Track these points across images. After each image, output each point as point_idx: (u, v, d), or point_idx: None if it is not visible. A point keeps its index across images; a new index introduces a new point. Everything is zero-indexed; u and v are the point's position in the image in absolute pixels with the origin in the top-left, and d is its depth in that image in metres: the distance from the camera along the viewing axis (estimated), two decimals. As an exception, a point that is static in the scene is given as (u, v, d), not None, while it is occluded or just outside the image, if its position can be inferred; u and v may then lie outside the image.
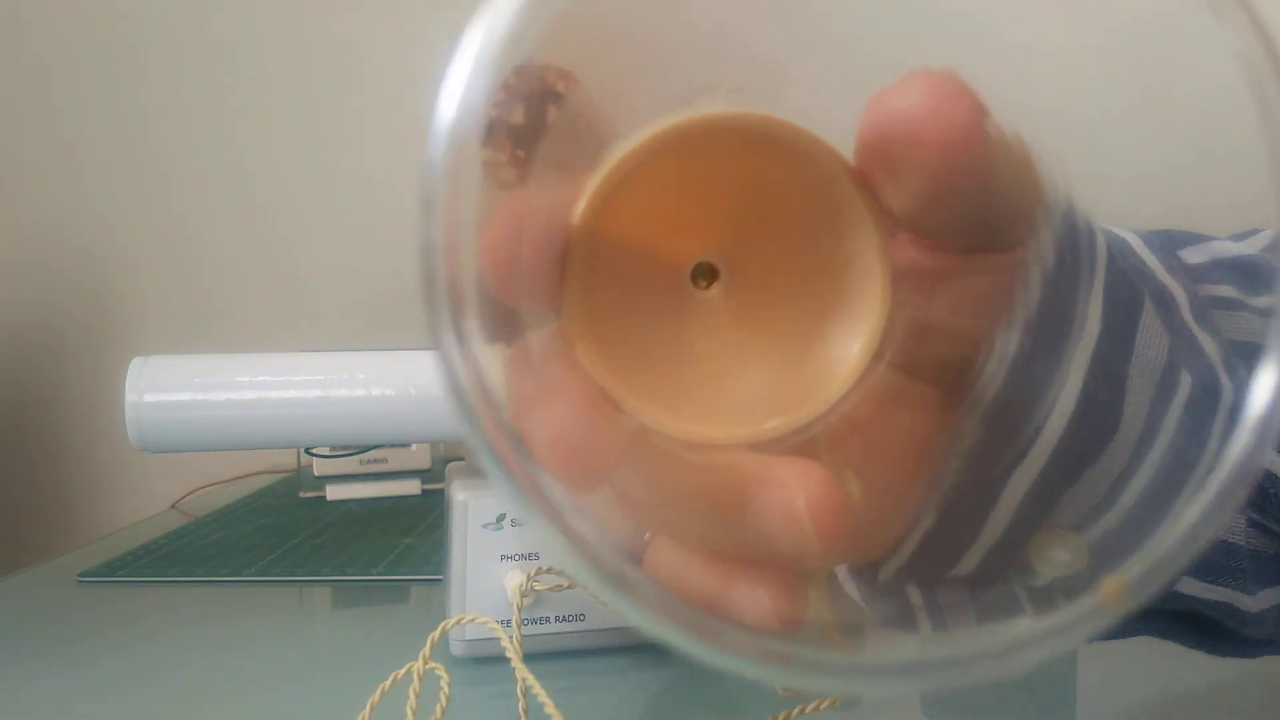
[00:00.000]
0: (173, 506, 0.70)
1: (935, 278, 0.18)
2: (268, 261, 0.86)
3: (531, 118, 0.16)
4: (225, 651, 0.42)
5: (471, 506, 0.37)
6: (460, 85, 0.12)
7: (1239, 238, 0.23)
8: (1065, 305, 0.18)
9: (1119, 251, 0.19)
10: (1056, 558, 0.18)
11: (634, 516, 0.16)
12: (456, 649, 0.37)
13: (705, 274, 0.17)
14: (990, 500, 0.19)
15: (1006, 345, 0.17)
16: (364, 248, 0.82)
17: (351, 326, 0.84)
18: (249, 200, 0.87)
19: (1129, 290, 0.19)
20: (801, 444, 0.17)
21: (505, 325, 0.15)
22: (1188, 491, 0.18)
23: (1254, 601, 0.21)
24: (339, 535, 0.58)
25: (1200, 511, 0.14)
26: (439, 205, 0.12)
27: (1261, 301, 0.21)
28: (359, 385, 0.46)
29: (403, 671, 0.29)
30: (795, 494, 0.15)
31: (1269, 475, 0.20)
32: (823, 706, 0.28)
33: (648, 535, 0.16)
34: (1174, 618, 0.23)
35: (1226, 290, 0.21)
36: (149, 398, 0.44)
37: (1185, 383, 0.18)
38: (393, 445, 0.68)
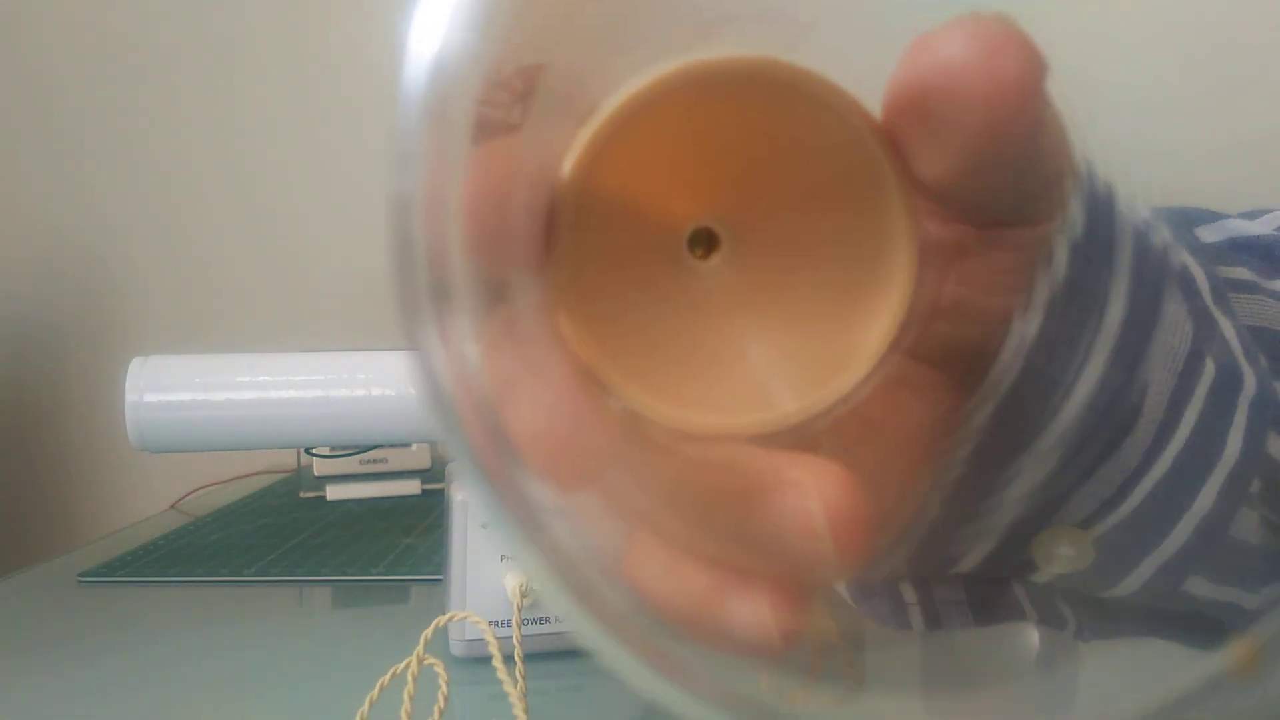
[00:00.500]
0: (173, 506, 0.70)
1: (951, 253, 0.16)
2: (268, 261, 0.86)
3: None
4: (225, 651, 0.42)
5: (471, 506, 0.37)
6: (444, 14, 0.10)
7: (1249, 216, 0.22)
8: (1089, 286, 0.16)
9: (1142, 227, 0.17)
10: (1061, 554, 0.18)
11: (619, 515, 0.14)
12: (456, 649, 0.37)
13: (704, 242, 0.15)
14: (999, 494, 0.17)
15: (1025, 328, 0.16)
16: (364, 248, 0.82)
17: (351, 326, 0.84)
18: (249, 200, 0.87)
19: (1153, 271, 0.17)
20: (802, 434, 0.15)
21: (483, 294, 0.13)
22: (1206, 487, 0.18)
23: (1256, 600, 0.20)
24: (339, 535, 0.58)
25: None
26: (419, 155, 0.11)
27: None
28: (359, 385, 0.46)
29: (401, 667, 0.29)
30: (812, 501, 0.13)
31: (1279, 467, 0.19)
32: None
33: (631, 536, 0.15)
34: (1175, 619, 0.22)
35: (1242, 273, 0.20)
36: (149, 398, 0.44)
37: (1209, 371, 0.17)
38: (393, 445, 0.68)
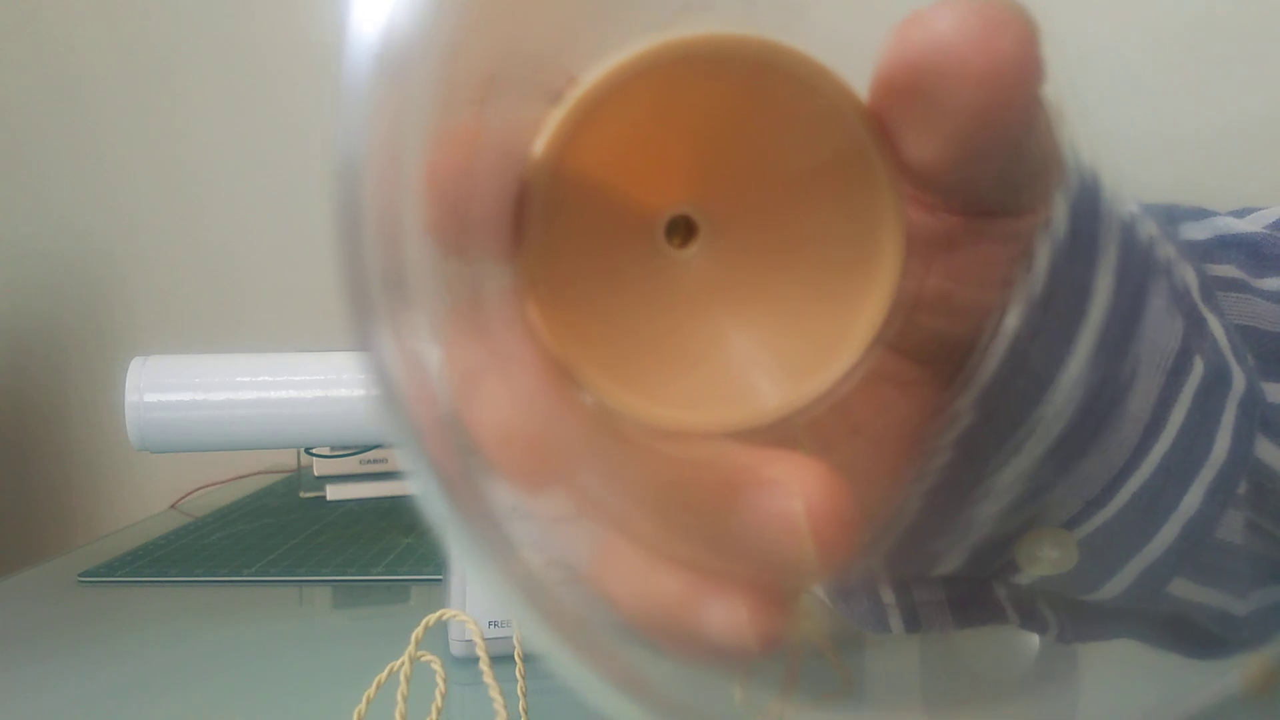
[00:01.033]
0: (173, 506, 0.70)
1: (937, 244, 0.16)
2: (268, 261, 0.86)
3: None
4: (225, 651, 0.42)
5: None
6: None
7: (1238, 214, 0.21)
8: (1076, 279, 0.15)
9: (1130, 220, 0.17)
10: (1044, 555, 0.17)
11: (588, 516, 0.14)
12: (456, 649, 0.37)
13: (682, 230, 0.15)
14: (980, 494, 0.17)
15: (1009, 322, 0.15)
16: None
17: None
18: (250, 199, 0.87)
19: (1140, 267, 0.17)
20: (781, 432, 0.15)
21: (444, 281, 0.12)
22: (1194, 488, 0.17)
23: (1244, 605, 0.19)
24: (339, 535, 0.58)
25: None
26: (371, 112, 0.09)
27: (1269, 284, 0.19)
28: (359, 385, 0.46)
29: (398, 664, 0.29)
30: (793, 500, 0.12)
31: (1266, 470, 0.18)
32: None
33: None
34: (1157, 621, 0.21)
35: (1231, 271, 0.19)
36: (149, 398, 0.44)
37: (1198, 370, 0.17)
38: (393, 445, 0.68)
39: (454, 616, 0.35)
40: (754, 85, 0.13)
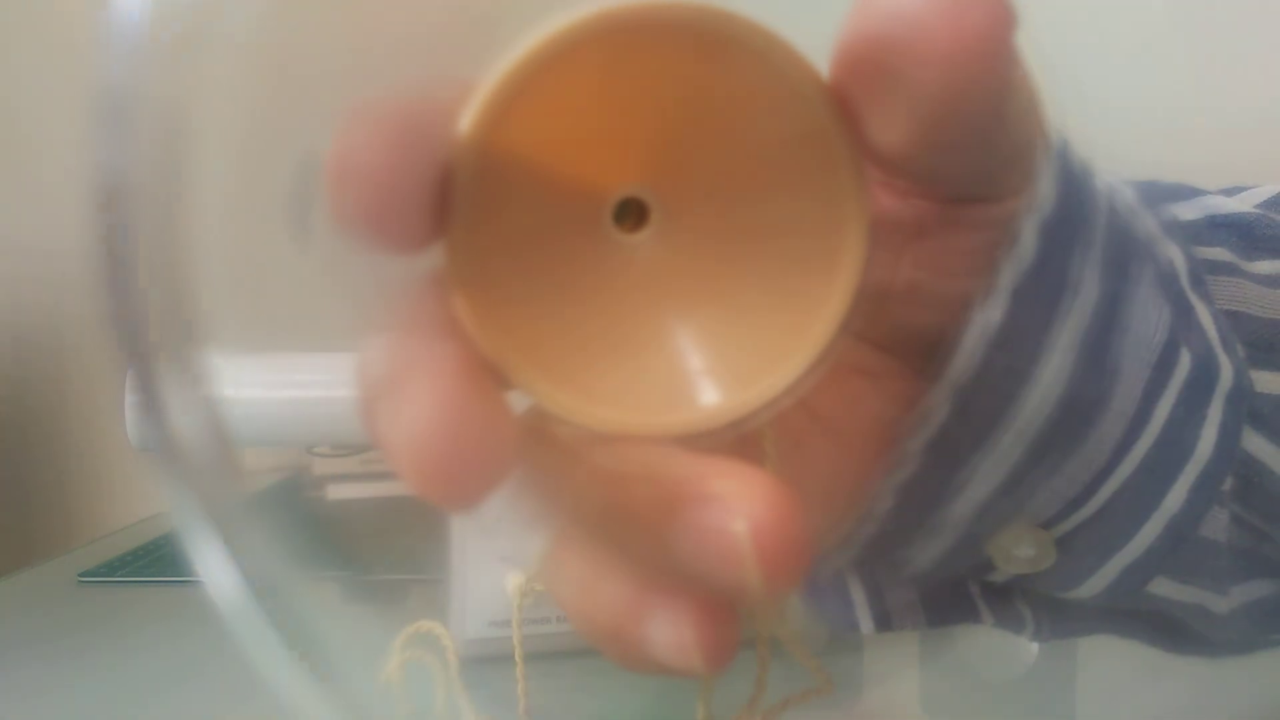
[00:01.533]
0: (173, 506, 0.70)
1: (908, 232, 0.15)
2: (268, 261, 0.86)
3: None
4: (225, 652, 0.42)
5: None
6: None
7: (1229, 193, 0.21)
8: (1058, 269, 0.15)
9: (1117, 204, 0.16)
10: (1020, 554, 0.17)
11: (526, 526, 0.13)
12: (457, 649, 0.37)
13: (633, 213, 0.13)
14: (955, 492, 0.16)
15: (987, 315, 0.15)
16: (364, 248, 0.82)
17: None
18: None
19: (1128, 253, 0.16)
20: (740, 430, 0.14)
21: (355, 278, 0.11)
22: (1177, 485, 0.16)
23: (1225, 602, 0.18)
24: (339, 535, 0.58)
25: None
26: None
27: (1261, 267, 0.19)
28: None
29: (392, 666, 0.29)
30: (736, 520, 0.11)
31: (1254, 462, 0.18)
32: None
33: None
34: (1137, 618, 0.20)
35: (1221, 253, 0.19)
36: (149, 398, 0.44)
37: (1184, 363, 0.16)
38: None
39: (430, 629, 0.35)
40: (709, 58, 0.12)
